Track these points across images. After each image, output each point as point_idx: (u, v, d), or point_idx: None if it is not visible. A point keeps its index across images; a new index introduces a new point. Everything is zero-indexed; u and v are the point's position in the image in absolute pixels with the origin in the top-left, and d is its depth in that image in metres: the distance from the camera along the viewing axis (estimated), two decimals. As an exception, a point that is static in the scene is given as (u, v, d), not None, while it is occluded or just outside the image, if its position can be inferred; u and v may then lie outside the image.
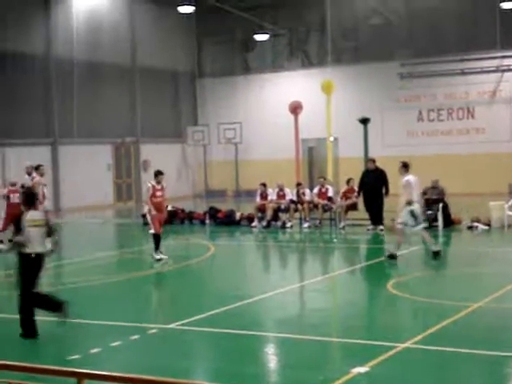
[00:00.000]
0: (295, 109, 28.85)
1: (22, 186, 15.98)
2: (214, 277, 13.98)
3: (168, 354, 8.16)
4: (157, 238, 14.85)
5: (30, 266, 8.84)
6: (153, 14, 32.43)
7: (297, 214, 20.65)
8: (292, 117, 28.80)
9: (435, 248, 14.25)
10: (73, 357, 7.79)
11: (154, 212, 14.73)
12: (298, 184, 21.72)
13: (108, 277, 13.66)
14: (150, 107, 32.21)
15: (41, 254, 8.95)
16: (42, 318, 9.10)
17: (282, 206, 20.65)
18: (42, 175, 17.52)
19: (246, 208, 23.05)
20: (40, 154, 26.98)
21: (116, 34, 30.60)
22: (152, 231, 14.95)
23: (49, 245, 9.22)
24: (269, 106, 33.21)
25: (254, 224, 20.59)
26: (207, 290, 12.38)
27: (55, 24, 28.19)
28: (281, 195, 20.76)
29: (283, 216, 20.72)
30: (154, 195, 14.82)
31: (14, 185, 17.35)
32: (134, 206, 30.11)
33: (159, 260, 14.83)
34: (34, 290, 8.90)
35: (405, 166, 14.22)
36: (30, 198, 9.29)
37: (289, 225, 20.32)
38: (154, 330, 9.03)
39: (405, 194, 13.90)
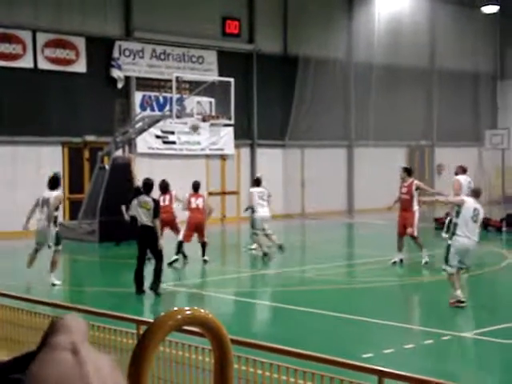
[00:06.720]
0: None
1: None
2: (510, 287, 13.36)
3: (458, 362, 8.04)
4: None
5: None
6: (454, 15, 31.69)
7: None
8: None
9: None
10: (367, 355, 7.98)
11: None
12: None
13: (399, 279, 13.78)
14: (446, 110, 31.60)
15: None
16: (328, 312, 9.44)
17: None
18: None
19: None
20: (336, 156, 28.02)
21: (416, 36, 30.42)
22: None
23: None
24: None
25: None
26: (504, 300, 11.89)
27: (357, 28, 28.88)
28: None
29: None
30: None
31: None
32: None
33: None
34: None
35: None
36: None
37: None
38: (447, 337, 8.91)
39: None
